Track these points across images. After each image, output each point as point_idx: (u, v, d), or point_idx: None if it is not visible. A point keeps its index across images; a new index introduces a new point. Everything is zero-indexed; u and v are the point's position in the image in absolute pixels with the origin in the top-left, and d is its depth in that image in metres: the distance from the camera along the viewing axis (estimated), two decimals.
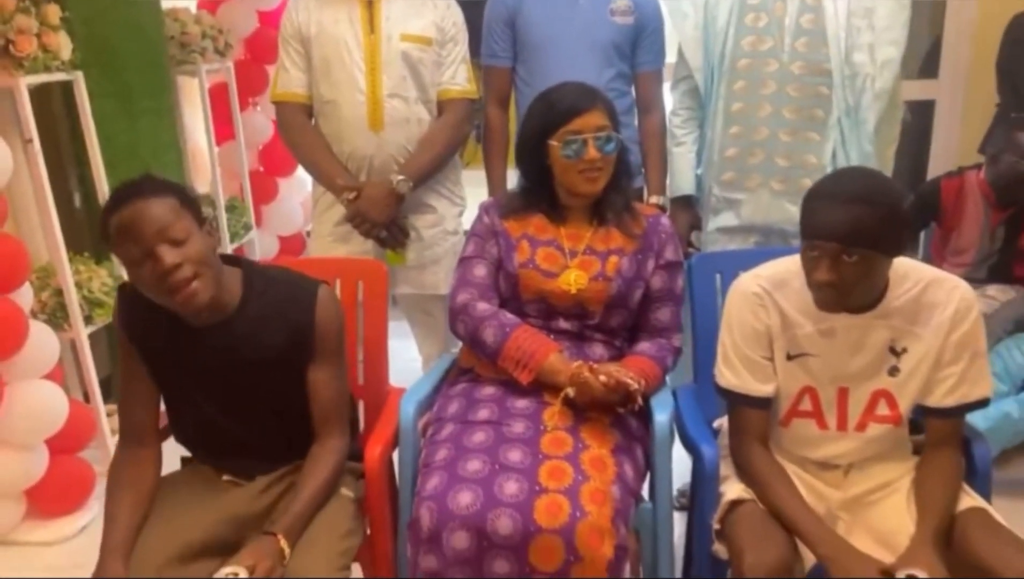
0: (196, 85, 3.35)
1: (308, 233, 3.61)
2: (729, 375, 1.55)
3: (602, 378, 1.53)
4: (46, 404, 2.27)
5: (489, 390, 1.67)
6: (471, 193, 2.40)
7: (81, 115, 2.56)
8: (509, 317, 1.68)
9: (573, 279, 1.67)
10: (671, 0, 2.18)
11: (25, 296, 2.28)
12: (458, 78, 2.19)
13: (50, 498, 2.36)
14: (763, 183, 2.09)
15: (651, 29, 2.23)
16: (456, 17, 2.20)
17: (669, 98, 2.27)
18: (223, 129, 3.53)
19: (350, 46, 2.09)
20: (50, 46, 2.33)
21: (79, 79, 2.52)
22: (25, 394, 2.24)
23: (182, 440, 1.61)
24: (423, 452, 1.60)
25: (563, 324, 1.70)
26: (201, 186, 3.44)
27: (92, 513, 2.43)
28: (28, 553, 2.29)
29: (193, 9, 3.39)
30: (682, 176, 2.21)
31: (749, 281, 1.55)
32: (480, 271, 1.74)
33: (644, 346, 1.72)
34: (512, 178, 2.34)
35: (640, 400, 1.56)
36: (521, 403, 1.62)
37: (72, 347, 2.57)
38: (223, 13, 3.50)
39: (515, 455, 1.49)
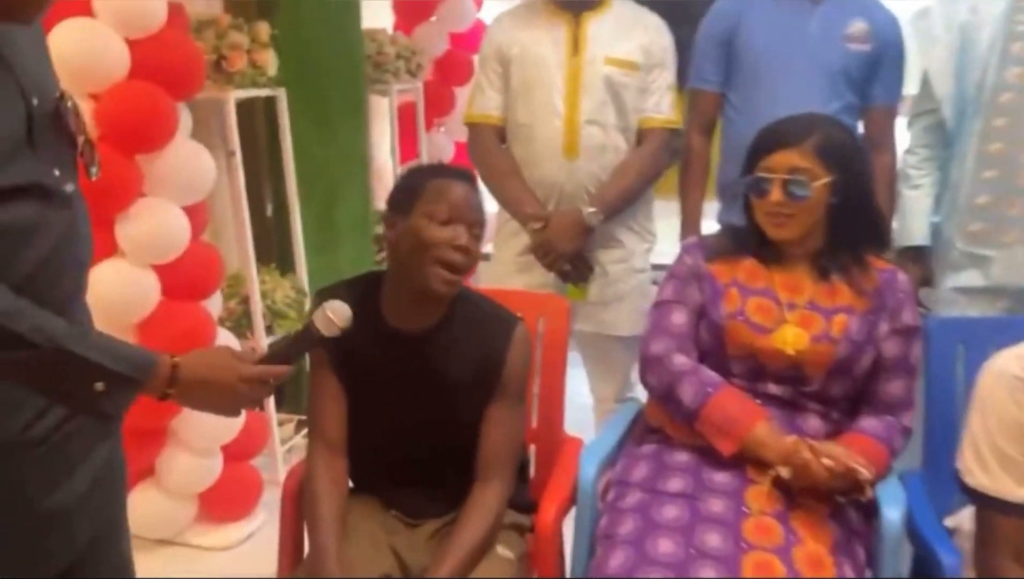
0: (385, 104, 3.39)
1: (483, 255, 3.56)
2: (980, 474, 1.30)
3: (826, 462, 1.30)
4: None
5: (682, 457, 1.47)
6: (662, 225, 2.23)
7: (280, 129, 2.63)
8: (711, 375, 1.49)
9: (791, 338, 1.45)
10: (920, 21, 1.91)
11: (215, 304, 2.35)
12: (662, 106, 2.03)
13: (221, 503, 2.40)
14: (1021, 239, 1.78)
15: (890, 58, 1.96)
16: (666, 41, 2.04)
17: (902, 136, 2.00)
18: (408, 148, 3.56)
19: (551, 68, 1.98)
20: (259, 62, 2.40)
21: (281, 95, 2.59)
22: None
23: (354, 462, 1.55)
24: (603, 518, 1.44)
25: (773, 389, 1.48)
26: (383, 202, 3.46)
27: (259, 520, 2.44)
28: (197, 556, 2.33)
29: (390, 30, 3.45)
30: (915, 223, 1.93)
31: (1012, 361, 1.29)
32: (679, 318, 1.56)
33: (870, 424, 1.47)
34: (708, 211, 2.16)
35: (870, 492, 1.32)
36: (720, 477, 1.41)
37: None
38: (417, 34, 3.55)
39: (713, 539, 1.30)
